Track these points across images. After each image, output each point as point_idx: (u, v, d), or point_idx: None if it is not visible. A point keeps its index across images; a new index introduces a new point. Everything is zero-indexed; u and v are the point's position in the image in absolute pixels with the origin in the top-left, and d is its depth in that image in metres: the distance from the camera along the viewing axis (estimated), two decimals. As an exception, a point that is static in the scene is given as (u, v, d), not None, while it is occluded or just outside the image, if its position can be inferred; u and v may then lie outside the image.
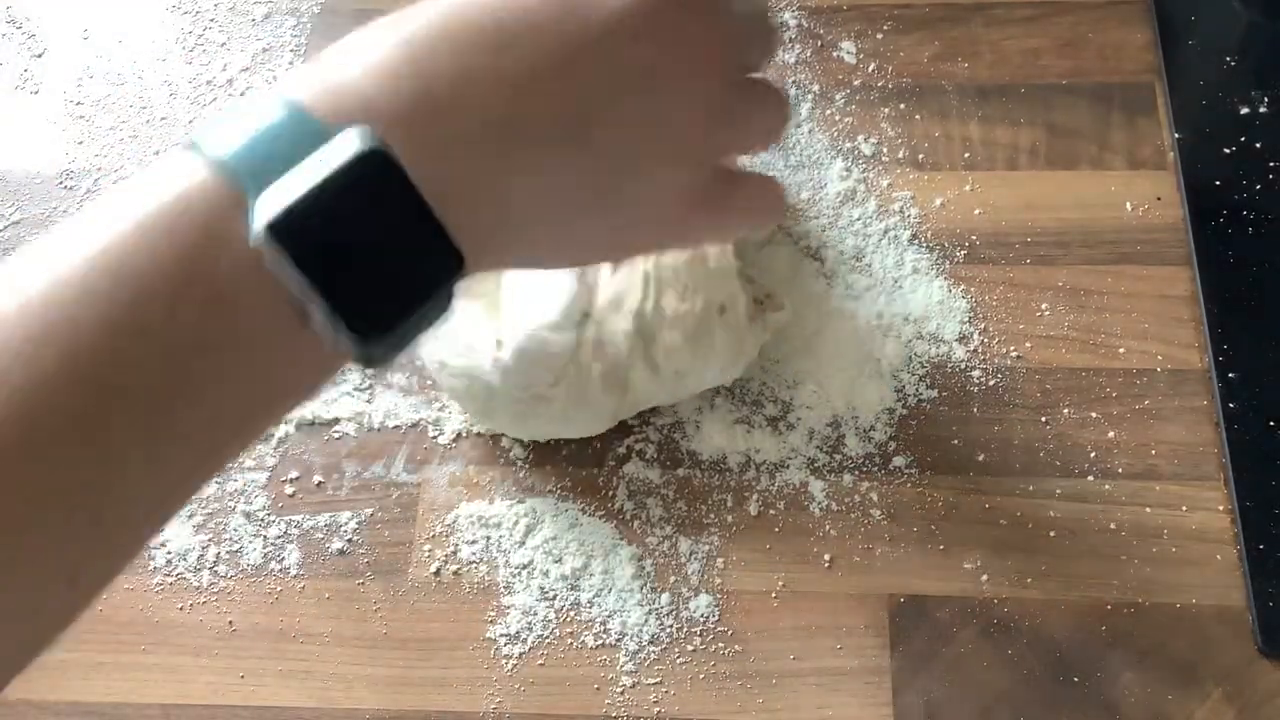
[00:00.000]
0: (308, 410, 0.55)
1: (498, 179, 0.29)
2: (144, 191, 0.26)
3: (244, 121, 0.26)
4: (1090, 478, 0.51)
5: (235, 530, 0.53)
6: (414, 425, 0.54)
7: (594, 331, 0.49)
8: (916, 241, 0.57)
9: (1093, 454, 0.51)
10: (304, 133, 0.26)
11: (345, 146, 0.25)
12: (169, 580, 0.52)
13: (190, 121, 0.65)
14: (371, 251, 0.26)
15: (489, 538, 0.52)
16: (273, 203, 0.25)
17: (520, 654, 0.49)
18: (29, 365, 0.24)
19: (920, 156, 0.59)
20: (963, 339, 0.54)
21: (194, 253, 0.25)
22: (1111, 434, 0.51)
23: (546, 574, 0.50)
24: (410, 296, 0.27)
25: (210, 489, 0.54)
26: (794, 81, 0.62)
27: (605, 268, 0.49)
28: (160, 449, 0.26)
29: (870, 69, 0.62)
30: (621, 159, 0.31)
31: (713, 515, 0.51)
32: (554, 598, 0.50)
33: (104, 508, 0.25)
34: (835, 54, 0.63)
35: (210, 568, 0.52)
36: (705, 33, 0.31)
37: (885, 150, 0.59)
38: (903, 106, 0.61)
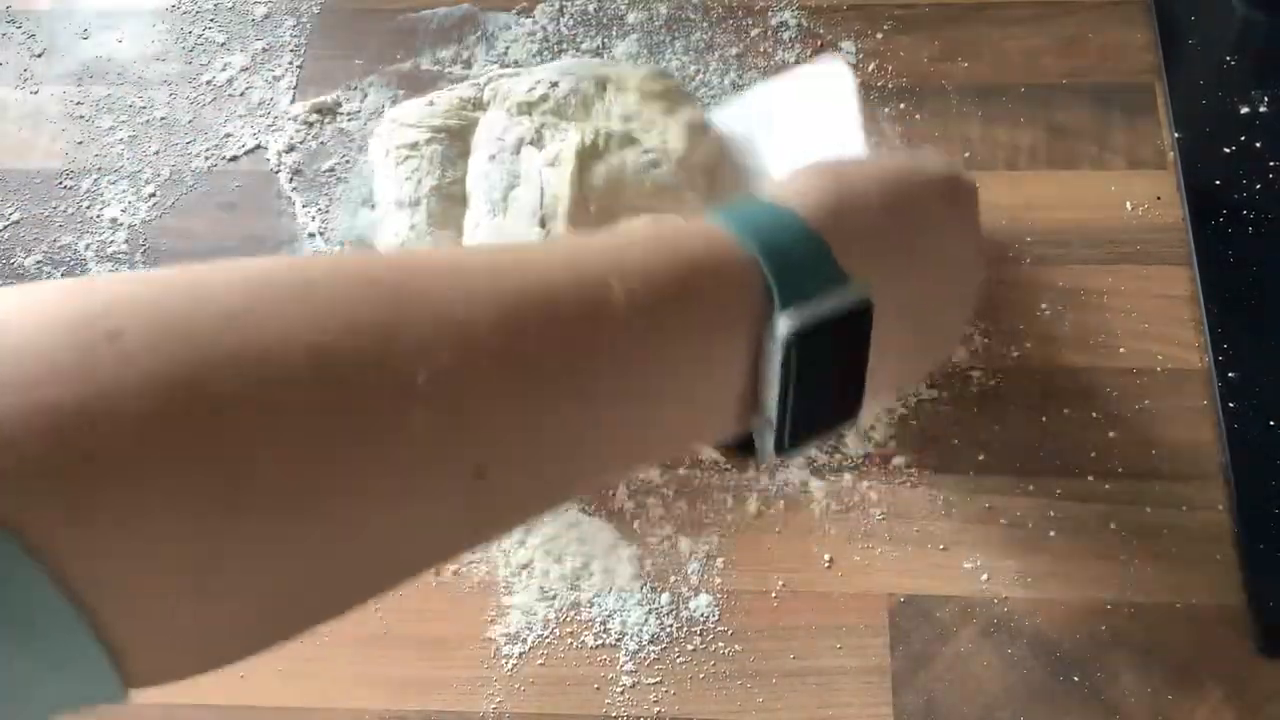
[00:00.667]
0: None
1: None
2: (679, 232, 0.32)
3: (776, 231, 0.32)
4: (1090, 478, 0.51)
5: (235, 530, 0.52)
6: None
7: None
8: (916, 241, 0.57)
9: (1093, 454, 0.51)
10: (828, 270, 0.32)
11: (853, 294, 0.32)
12: (169, 580, 0.52)
13: (190, 121, 0.65)
14: (827, 382, 0.33)
15: (489, 538, 0.52)
16: (800, 315, 0.30)
17: (520, 654, 0.49)
18: (539, 283, 0.28)
19: (920, 156, 0.59)
20: (963, 339, 0.54)
21: (705, 289, 0.31)
22: (1111, 434, 0.51)
23: (546, 574, 0.50)
24: (831, 422, 0.34)
25: (210, 489, 0.54)
26: (794, 81, 0.62)
27: None
28: (597, 411, 0.29)
29: (870, 69, 0.62)
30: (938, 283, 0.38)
31: (713, 515, 0.51)
32: (554, 598, 0.50)
33: (531, 442, 0.28)
34: (835, 54, 0.63)
35: (210, 568, 0.52)
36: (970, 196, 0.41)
37: (885, 150, 0.59)
38: (903, 106, 0.61)
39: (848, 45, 0.63)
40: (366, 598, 0.30)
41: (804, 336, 0.30)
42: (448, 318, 0.27)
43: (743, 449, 0.34)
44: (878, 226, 0.35)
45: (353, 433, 0.25)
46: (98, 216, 0.62)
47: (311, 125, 0.64)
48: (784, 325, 0.30)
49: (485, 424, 0.27)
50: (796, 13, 0.64)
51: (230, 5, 0.69)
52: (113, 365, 0.23)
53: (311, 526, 0.26)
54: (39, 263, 0.61)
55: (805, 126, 0.54)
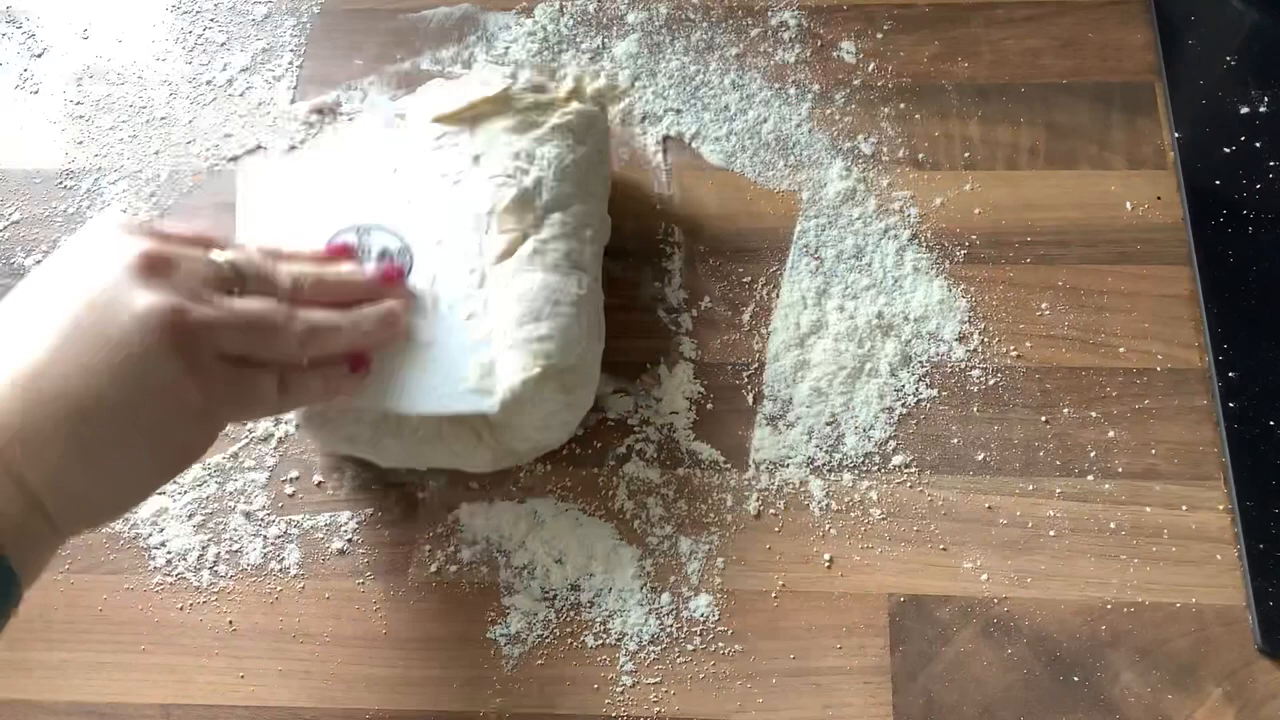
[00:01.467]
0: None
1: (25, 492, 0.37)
2: None
3: None
4: (1090, 478, 0.51)
5: (235, 530, 0.53)
6: (414, 425, 0.54)
7: None
8: (916, 241, 0.57)
9: (1093, 454, 0.51)
10: None
11: None
12: (169, 580, 0.52)
13: (190, 121, 0.65)
14: None
15: (489, 538, 0.52)
16: None
17: (520, 654, 0.49)
18: None
19: (920, 156, 0.59)
20: (962, 338, 0.54)
21: None
22: (1111, 434, 0.51)
23: (547, 574, 0.50)
24: None
25: (210, 489, 0.54)
26: (794, 81, 0.62)
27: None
28: None
29: (870, 69, 0.62)
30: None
31: (713, 515, 0.51)
32: (554, 598, 0.50)
33: None
34: (835, 54, 0.63)
35: (210, 568, 0.52)
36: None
37: (885, 150, 0.59)
38: (903, 106, 0.61)
39: (848, 45, 0.63)
40: None
41: None
42: None
43: None
44: None
45: None
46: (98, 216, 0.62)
47: (311, 125, 0.64)
48: None
49: None
50: (796, 13, 0.64)
51: (230, 5, 0.69)
52: None
53: None
54: (39, 262, 0.61)
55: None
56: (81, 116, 0.66)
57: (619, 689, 0.48)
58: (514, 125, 0.53)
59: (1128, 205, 0.57)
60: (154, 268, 0.39)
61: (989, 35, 0.62)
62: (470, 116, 0.54)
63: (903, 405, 0.53)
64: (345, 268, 0.48)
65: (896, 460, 0.52)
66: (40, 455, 0.37)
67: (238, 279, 0.42)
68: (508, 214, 0.51)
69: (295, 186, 0.53)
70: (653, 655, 0.48)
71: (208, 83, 0.66)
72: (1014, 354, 0.54)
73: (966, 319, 0.54)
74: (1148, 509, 0.50)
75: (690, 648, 0.48)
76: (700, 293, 0.56)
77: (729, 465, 0.52)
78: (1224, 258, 0.54)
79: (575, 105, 0.55)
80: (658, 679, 0.48)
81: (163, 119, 0.65)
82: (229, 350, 0.40)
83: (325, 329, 0.44)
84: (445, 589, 0.51)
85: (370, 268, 0.49)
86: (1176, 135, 0.58)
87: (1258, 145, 0.57)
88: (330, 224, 0.50)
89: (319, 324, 0.44)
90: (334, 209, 0.51)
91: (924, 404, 0.53)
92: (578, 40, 0.65)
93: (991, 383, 0.53)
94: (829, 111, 0.61)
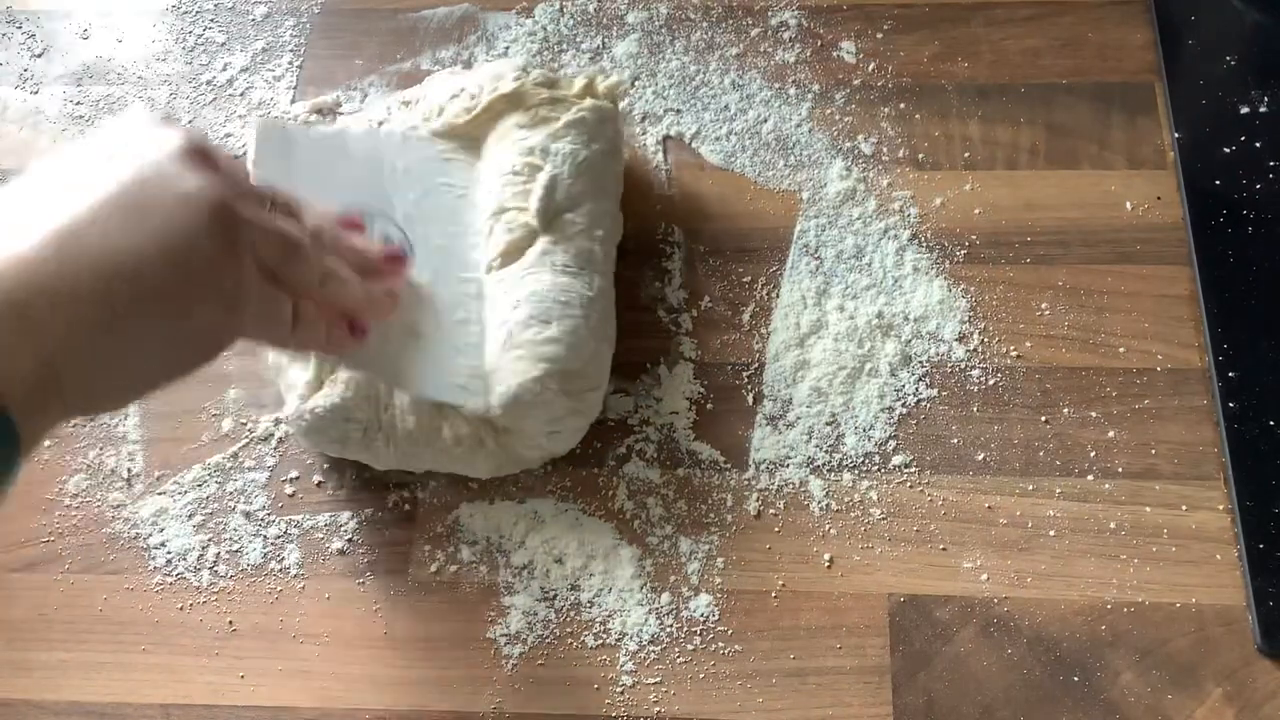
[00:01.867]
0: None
1: (39, 351, 0.35)
2: None
3: None
4: (1090, 477, 0.51)
5: (235, 530, 0.53)
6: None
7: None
8: (916, 241, 0.57)
9: (1093, 454, 0.51)
10: None
11: None
12: (169, 580, 0.52)
13: (190, 121, 0.65)
14: None
15: (489, 538, 0.51)
16: None
17: (520, 654, 0.49)
18: None
19: (920, 156, 0.59)
20: (962, 338, 0.54)
21: None
22: (1111, 434, 0.51)
23: (547, 574, 0.50)
24: None
25: (210, 489, 0.54)
26: (794, 81, 0.62)
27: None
28: None
29: (870, 69, 0.62)
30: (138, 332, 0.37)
31: (713, 515, 0.51)
32: (554, 598, 0.50)
33: None
34: (835, 54, 0.63)
35: (210, 568, 0.52)
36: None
37: (885, 150, 0.59)
38: (903, 106, 0.61)
39: (848, 45, 0.63)
40: None
41: None
42: None
43: None
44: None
45: None
46: (98, 216, 0.62)
47: (311, 125, 0.64)
48: None
49: None
50: (796, 13, 0.64)
51: (230, 5, 0.69)
52: None
53: None
54: (39, 263, 0.61)
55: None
56: (81, 116, 0.66)
57: (619, 689, 0.48)
58: (526, 121, 0.53)
59: (1128, 205, 0.57)
60: (203, 158, 0.38)
61: (989, 35, 0.62)
62: (483, 121, 0.54)
63: (903, 405, 0.53)
64: (357, 237, 0.48)
65: (896, 460, 0.52)
66: (68, 315, 0.35)
67: (269, 201, 0.42)
68: (518, 211, 0.51)
69: (308, 155, 0.52)
70: (653, 655, 0.48)
71: (208, 83, 0.66)
72: (1014, 354, 0.54)
73: (966, 319, 0.54)
74: (1148, 509, 0.50)
75: (690, 648, 0.48)
76: (700, 293, 0.56)
77: (729, 465, 0.52)
78: (1224, 258, 0.54)
79: (589, 101, 0.55)
80: (658, 679, 0.48)
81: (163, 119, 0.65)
82: (263, 257, 0.40)
83: (339, 277, 0.44)
84: (445, 589, 0.51)
85: (377, 245, 0.49)
86: (1176, 135, 0.58)
87: (1258, 145, 0.57)
88: (336, 199, 0.50)
89: (335, 270, 0.44)
90: (342, 187, 0.51)
91: (924, 404, 0.53)
92: (578, 40, 0.65)
93: (991, 383, 0.53)
94: (829, 111, 0.61)
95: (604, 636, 0.49)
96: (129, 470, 0.54)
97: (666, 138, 0.61)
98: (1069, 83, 0.60)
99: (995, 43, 0.62)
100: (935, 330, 0.54)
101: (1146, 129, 0.59)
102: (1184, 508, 0.50)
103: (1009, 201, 0.57)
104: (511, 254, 0.51)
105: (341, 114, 0.64)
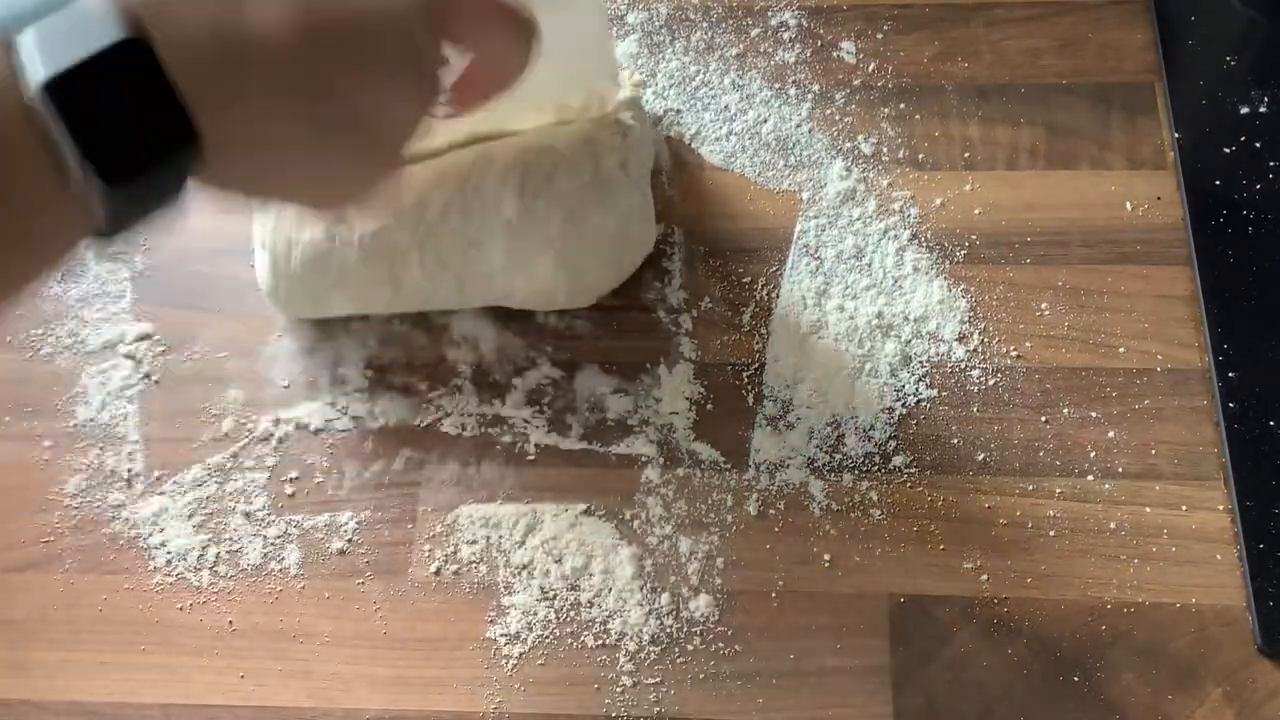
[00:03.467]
0: (307, 412, 0.55)
1: (224, 91, 0.33)
2: None
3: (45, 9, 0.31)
4: (1090, 478, 0.51)
5: (235, 530, 0.53)
6: (414, 425, 0.54)
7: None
8: (916, 241, 0.57)
9: (1093, 454, 0.51)
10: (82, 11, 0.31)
11: (109, 30, 0.31)
12: (169, 580, 0.52)
13: (190, 121, 0.65)
14: (125, 117, 0.31)
15: (489, 538, 0.52)
16: (48, 65, 0.30)
17: (520, 654, 0.49)
18: None
19: (920, 156, 0.59)
20: (962, 338, 0.54)
21: None
22: (1111, 434, 0.51)
23: (546, 574, 0.50)
24: (153, 154, 0.31)
25: (210, 489, 0.54)
26: (794, 81, 0.62)
27: None
28: None
29: (870, 69, 0.62)
30: (337, 104, 0.35)
31: (713, 515, 0.51)
32: (554, 598, 0.50)
33: None
34: (835, 54, 0.63)
35: (210, 568, 0.52)
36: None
37: (885, 150, 0.59)
38: (903, 106, 0.61)
39: (848, 45, 0.63)
40: None
41: (68, 80, 0.30)
42: None
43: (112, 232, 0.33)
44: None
45: None
46: (98, 216, 0.62)
47: (311, 125, 0.64)
48: (35, 78, 0.30)
49: None
50: (796, 13, 0.64)
51: (230, 5, 0.69)
52: None
53: None
54: (39, 263, 0.61)
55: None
56: (81, 116, 0.66)
57: (619, 689, 0.48)
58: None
59: (1128, 205, 0.57)
60: None
61: (989, 35, 0.62)
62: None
63: (903, 405, 0.53)
64: None
65: (896, 460, 0.52)
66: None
67: None
68: None
69: None
70: (653, 655, 0.48)
71: (208, 83, 0.66)
72: (1014, 354, 0.54)
73: (966, 319, 0.54)
74: (1148, 509, 0.50)
75: (690, 648, 0.48)
76: (700, 293, 0.56)
77: (729, 465, 0.52)
78: (1224, 258, 0.54)
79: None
80: (658, 679, 0.48)
81: (163, 119, 0.65)
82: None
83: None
84: (445, 589, 0.51)
85: None
86: (1176, 135, 0.58)
87: (1258, 145, 0.57)
88: None
89: None
90: None
91: (924, 404, 0.53)
92: (578, 40, 0.65)
93: (991, 383, 0.53)
94: (829, 111, 0.61)
95: (604, 636, 0.49)
96: (129, 470, 0.54)
97: (667, 138, 0.61)
98: (1069, 83, 0.60)
99: (995, 43, 0.62)
100: (935, 330, 0.54)
101: (1146, 129, 0.59)
102: (1184, 508, 0.50)
103: (1009, 201, 0.57)
104: None
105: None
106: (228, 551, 0.52)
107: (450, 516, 0.52)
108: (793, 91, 0.62)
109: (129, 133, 0.31)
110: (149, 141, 0.32)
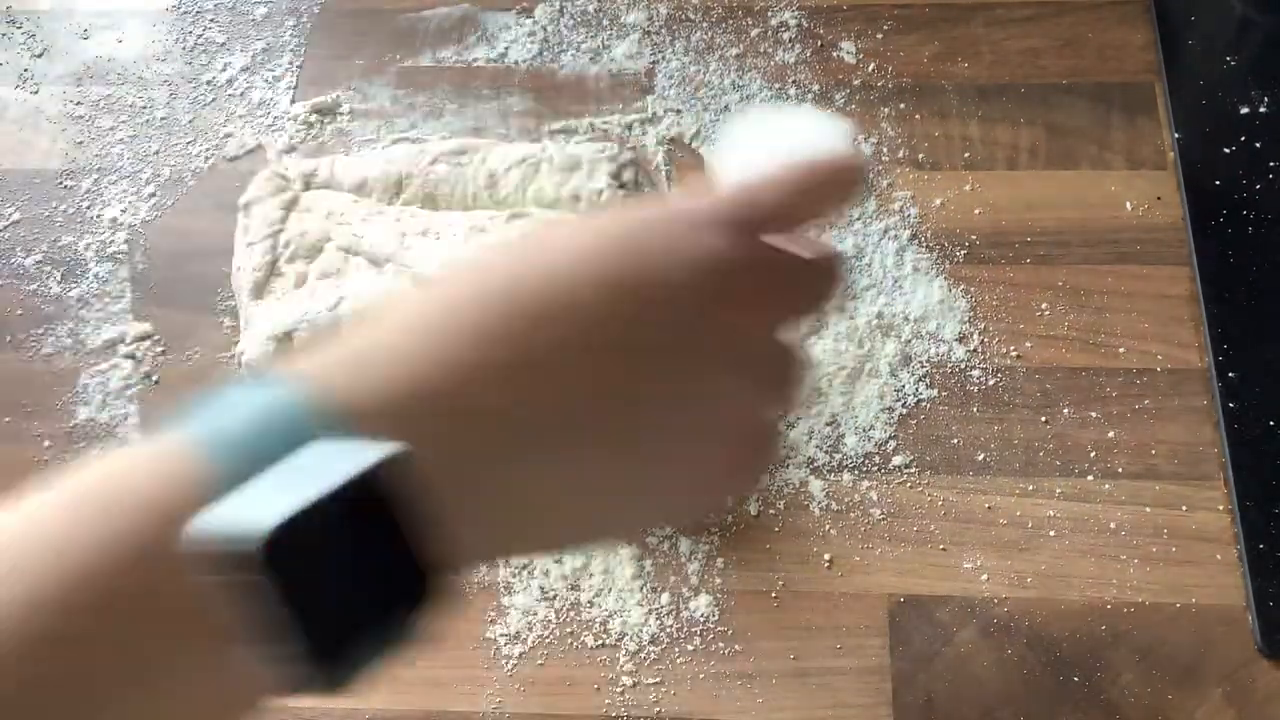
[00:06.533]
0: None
1: (495, 478, 0.27)
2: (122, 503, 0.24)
3: (240, 407, 0.25)
4: (1090, 477, 0.51)
5: (235, 530, 0.52)
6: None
7: None
8: (916, 241, 0.57)
9: (1093, 454, 0.51)
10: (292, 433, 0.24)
11: (347, 467, 0.23)
12: (169, 580, 0.52)
13: (190, 121, 0.65)
14: (345, 580, 0.24)
15: (489, 538, 0.51)
16: (266, 516, 0.22)
17: (520, 654, 0.49)
18: None
19: (920, 156, 0.59)
20: (962, 338, 0.54)
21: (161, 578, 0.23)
22: (1111, 434, 0.51)
23: (546, 574, 0.50)
24: (369, 626, 0.25)
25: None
26: (794, 81, 0.62)
27: None
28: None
29: (870, 69, 0.62)
30: (645, 447, 0.29)
31: (713, 515, 0.51)
32: (554, 598, 0.50)
33: None
34: (835, 54, 0.63)
35: (210, 568, 0.52)
36: (755, 297, 0.30)
37: (885, 150, 0.59)
38: (903, 106, 0.61)
39: (848, 45, 0.63)
40: None
41: (286, 552, 0.22)
42: None
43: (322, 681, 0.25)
44: (534, 347, 0.26)
45: None
46: (98, 216, 0.62)
47: (311, 125, 0.64)
48: (253, 535, 0.22)
49: None
50: (796, 13, 0.64)
51: (230, 5, 0.69)
52: None
53: None
54: (39, 263, 0.61)
55: None
56: (81, 116, 0.66)
57: (619, 689, 0.48)
58: None
59: (1128, 205, 0.57)
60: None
61: (989, 35, 0.62)
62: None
63: (903, 405, 0.53)
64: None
65: (896, 460, 0.52)
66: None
67: None
68: None
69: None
70: (653, 655, 0.48)
71: (208, 83, 0.66)
72: (1014, 354, 0.54)
73: (966, 319, 0.54)
74: (1148, 509, 0.50)
75: (690, 648, 0.48)
76: (700, 293, 0.56)
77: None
78: (1224, 258, 0.54)
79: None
80: (658, 679, 0.48)
81: (163, 119, 0.65)
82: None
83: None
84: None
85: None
86: (1176, 135, 0.58)
87: (1258, 145, 0.57)
88: None
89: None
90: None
91: (924, 404, 0.53)
92: (578, 41, 0.65)
93: (991, 383, 0.53)
94: (829, 111, 0.61)
95: (604, 636, 0.49)
96: (129, 470, 0.54)
97: (667, 138, 0.61)
98: (1069, 83, 0.60)
99: (995, 43, 0.62)
100: (935, 330, 0.54)
101: (1146, 129, 0.59)
102: (1184, 508, 0.50)
103: (1009, 201, 0.57)
104: None
105: (341, 114, 0.64)
106: (228, 551, 0.52)
107: (450, 516, 0.52)
108: (793, 91, 0.62)
109: (343, 608, 0.24)
110: (368, 611, 0.24)
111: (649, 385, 0.28)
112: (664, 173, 0.60)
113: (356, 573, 0.24)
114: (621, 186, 0.50)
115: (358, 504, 0.23)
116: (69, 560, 0.23)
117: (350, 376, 0.26)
